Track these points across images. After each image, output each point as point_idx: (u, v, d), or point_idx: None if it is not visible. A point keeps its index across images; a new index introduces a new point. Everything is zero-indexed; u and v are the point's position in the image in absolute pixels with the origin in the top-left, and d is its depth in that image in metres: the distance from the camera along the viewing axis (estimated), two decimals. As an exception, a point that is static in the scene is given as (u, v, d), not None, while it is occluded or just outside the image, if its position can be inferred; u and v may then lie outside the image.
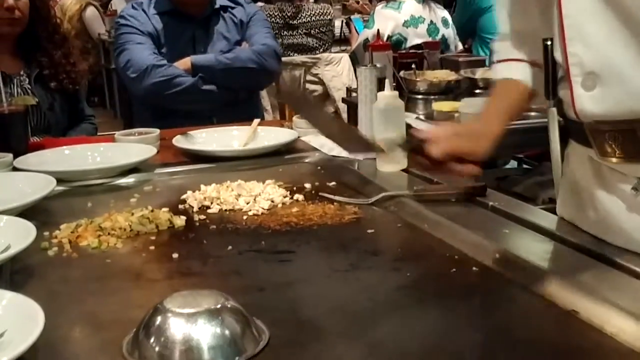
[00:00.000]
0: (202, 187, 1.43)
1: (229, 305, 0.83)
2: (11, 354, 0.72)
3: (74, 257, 1.13)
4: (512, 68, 1.17)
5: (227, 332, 0.80)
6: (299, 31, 4.04)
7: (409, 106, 2.30)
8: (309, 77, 4.04)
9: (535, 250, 1.05)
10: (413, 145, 1.10)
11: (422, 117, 2.24)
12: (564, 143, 1.17)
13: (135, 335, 0.82)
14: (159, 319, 0.81)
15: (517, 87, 1.16)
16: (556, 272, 0.97)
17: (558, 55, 1.01)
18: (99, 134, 2.32)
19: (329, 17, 4.16)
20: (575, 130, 1.03)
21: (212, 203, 1.36)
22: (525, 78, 1.16)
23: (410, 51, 3.01)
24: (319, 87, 4.08)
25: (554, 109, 1.16)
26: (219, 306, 0.82)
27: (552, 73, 1.10)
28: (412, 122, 2.09)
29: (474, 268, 1.03)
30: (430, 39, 3.41)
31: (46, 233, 1.20)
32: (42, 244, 1.16)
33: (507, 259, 1.02)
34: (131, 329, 0.83)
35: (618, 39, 0.92)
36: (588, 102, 0.96)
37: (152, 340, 0.80)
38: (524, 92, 1.16)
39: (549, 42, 1.07)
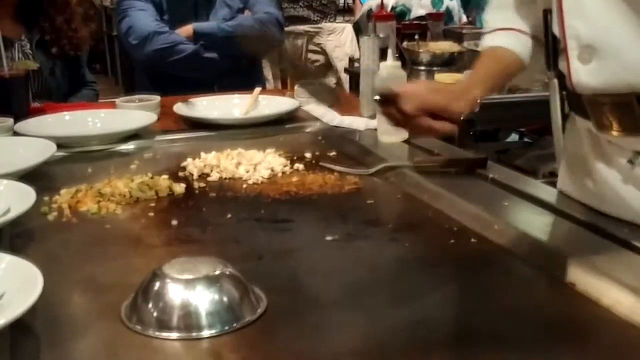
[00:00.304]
0: (202, 154, 1.43)
1: (227, 272, 0.83)
2: (10, 316, 0.72)
3: (74, 222, 1.14)
4: (503, 36, 1.16)
5: (225, 298, 0.80)
6: (300, 4, 4.00)
7: (412, 77, 2.29)
8: (311, 47, 4.00)
9: (534, 222, 1.06)
10: (386, 98, 1.06)
11: (424, 88, 2.22)
12: (565, 116, 1.17)
13: (134, 300, 0.82)
14: (157, 285, 0.81)
15: (506, 55, 1.15)
16: (554, 244, 0.98)
17: (556, 29, 1.01)
18: (100, 100, 2.32)
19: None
20: (575, 102, 1.03)
21: (212, 171, 1.36)
22: (516, 47, 1.15)
23: (414, 22, 2.99)
24: (321, 57, 4.05)
25: (555, 81, 1.15)
26: (217, 273, 0.82)
27: (552, 45, 1.09)
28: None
29: (472, 240, 1.03)
30: (434, 11, 3.38)
31: (46, 198, 1.21)
32: (42, 208, 1.16)
33: (506, 231, 1.02)
34: (130, 293, 0.84)
35: (615, 12, 0.91)
36: (584, 75, 0.96)
37: (150, 305, 0.80)
38: (513, 61, 1.15)
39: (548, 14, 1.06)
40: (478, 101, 1.09)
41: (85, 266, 0.97)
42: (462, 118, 1.07)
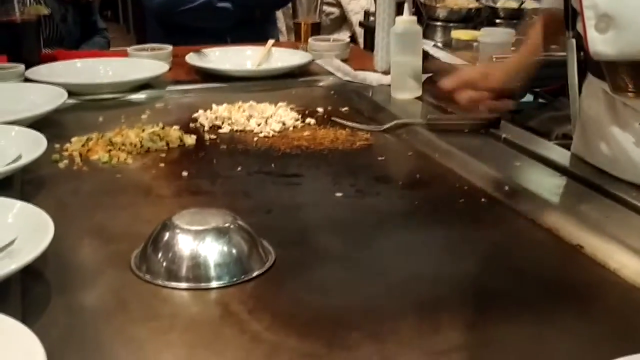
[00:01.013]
0: (214, 106, 1.42)
1: (236, 225, 0.83)
2: (21, 262, 0.73)
3: (85, 170, 1.14)
4: None
5: (234, 250, 0.81)
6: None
7: (427, 33, 2.26)
8: (326, -1, 3.94)
9: (545, 184, 1.05)
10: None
11: (439, 44, 2.19)
12: (581, 77, 1.15)
13: (144, 249, 0.83)
14: (167, 235, 0.81)
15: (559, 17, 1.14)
16: (564, 206, 0.97)
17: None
18: (111, 48, 2.30)
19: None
20: (592, 63, 1.03)
21: (223, 123, 1.36)
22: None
23: (432, -24, 2.92)
24: (335, 10, 3.98)
25: (573, 41, 1.13)
26: (226, 225, 0.82)
27: (571, 5, 1.07)
28: (429, 49, 2.05)
29: (482, 199, 1.02)
30: (452, -35, 3.31)
31: (57, 145, 1.21)
32: (53, 156, 1.17)
33: (516, 191, 1.02)
34: (139, 243, 0.84)
35: None
36: (601, 44, 0.96)
37: (159, 255, 0.81)
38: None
39: None
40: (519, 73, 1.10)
41: (95, 215, 0.98)
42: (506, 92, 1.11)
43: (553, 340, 0.70)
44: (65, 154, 1.19)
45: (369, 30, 2.61)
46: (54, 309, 0.74)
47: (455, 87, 1.08)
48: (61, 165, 1.15)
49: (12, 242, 0.79)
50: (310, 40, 1.88)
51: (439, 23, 2.42)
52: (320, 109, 1.46)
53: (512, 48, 1.87)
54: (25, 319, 0.66)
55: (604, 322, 0.73)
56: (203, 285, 0.79)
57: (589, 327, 0.72)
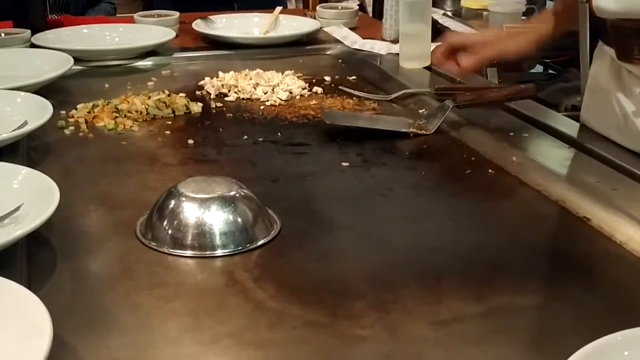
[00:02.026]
0: (220, 74, 1.41)
1: (242, 193, 0.83)
2: (26, 228, 0.73)
3: (90, 137, 1.14)
4: None
5: (239, 219, 0.81)
6: None
7: (437, 1, 2.22)
8: (335, -34, 3.90)
9: (553, 155, 1.04)
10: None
11: (449, 13, 2.16)
12: (593, 45, 1.14)
13: (149, 217, 0.83)
14: (172, 203, 0.81)
15: None
16: (571, 178, 0.97)
17: None
18: (118, 15, 2.28)
19: None
20: (602, 29, 1.03)
21: (229, 91, 1.35)
22: None
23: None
24: (344, -22, 3.94)
25: (586, 5, 1.11)
26: (232, 193, 0.82)
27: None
28: (438, 18, 2.02)
29: (490, 170, 1.02)
30: None
31: (63, 112, 1.21)
32: (59, 122, 1.17)
33: (523, 163, 1.01)
34: (145, 210, 0.85)
35: None
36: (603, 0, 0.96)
37: (165, 222, 0.81)
38: None
39: None
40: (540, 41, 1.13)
41: (101, 182, 0.98)
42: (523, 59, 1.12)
43: (557, 311, 0.70)
44: (71, 120, 1.19)
45: (378, -2, 2.57)
46: (60, 275, 0.74)
47: (444, 52, 1.07)
48: (67, 131, 1.15)
49: (17, 208, 0.80)
50: (318, 7, 1.86)
51: (449, -11, 2.38)
52: (327, 78, 1.45)
53: (523, 18, 1.85)
54: (30, 285, 0.66)
55: (609, 294, 0.73)
56: (208, 253, 0.79)
57: (594, 299, 0.72)
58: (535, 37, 1.19)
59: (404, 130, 1.14)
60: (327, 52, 1.66)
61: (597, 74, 1.11)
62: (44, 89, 1.26)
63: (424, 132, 1.14)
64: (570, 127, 1.13)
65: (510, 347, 0.64)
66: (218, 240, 0.79)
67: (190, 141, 1.12)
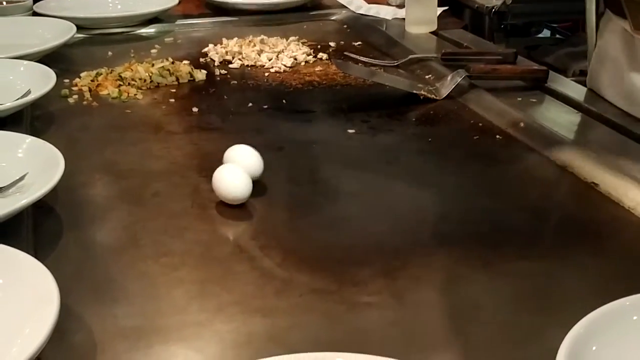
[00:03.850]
0: (224, 40, 1.40)
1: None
2: (31, 197, 0.73)
3: (94, 105, 1.13)
4: None
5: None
6: None
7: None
8: None
9: (561, 120, 1.03)
10: None
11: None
12: (600, 13, 1.12)
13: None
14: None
15: None
16: (579, 143, 0.96)
17: None
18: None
19: None
20: (611, 0, 0.99)
21: (233, 58, 1.34)
22: None
23: None
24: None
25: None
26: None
27: None
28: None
29: (497, 136, 1.01)
30: None
31: (66, 80, 1.20)
32: (63, 91, 1.16)
33: (531, 128, 1.00)
34: (150, 179, 0.84)
35: None
36: None
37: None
38: None
39: None
40: None
41: (105, 150, 0.97)
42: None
43: (566, 277, 0.70)
44: (75, 89, 1.18)
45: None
46: (66, 244, 0.74)
47: None
48: (71, 100, 1.14)
49: (22, 177, 0.79)
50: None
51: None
52: (332, 44, 1.43)
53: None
54: (36, 254, 0.66)
55: (617, 260, 0.73)
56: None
57: (602, 264, 0.72)
58: None
59: (415, 92, 1.13)
60: (332, 18, 1.64)
61: (605, 44, 1.08)
62: (47, 58, 1.25)
63: (435, 97, 1.13)
64: (578, 92, 1.12)
65: (518, 313, 0.64)
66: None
67: (195, 109, 1.11)
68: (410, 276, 0.69)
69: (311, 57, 1.35)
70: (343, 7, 1.66)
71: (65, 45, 1.33)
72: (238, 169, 0.80)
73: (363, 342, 0.60)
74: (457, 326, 0.62)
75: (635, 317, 0.54)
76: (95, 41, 1.47)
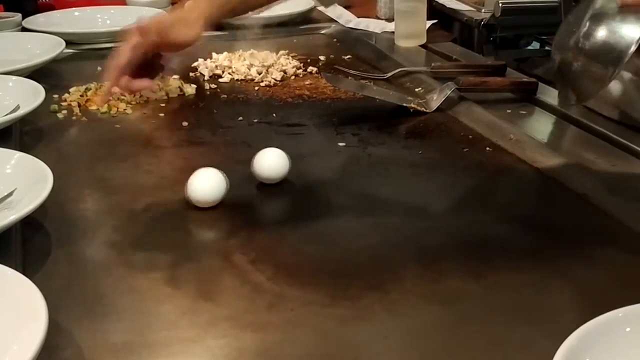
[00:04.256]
0: (214, 55, 1.40)
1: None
2: (20, 213, 0.72)
3: (84, 121, 1.13)
4: None
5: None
6: None
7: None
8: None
9: (550, 132, 1.04)
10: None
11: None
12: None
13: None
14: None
15: None
16: (570, 155, 0.96)
17: None
18: (109, -4, 2.26)
19: None
20: None
21: (223, 72, 1.34)
22: None
23: None
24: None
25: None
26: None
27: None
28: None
29: (487, 148, 1.01)
30: None
31: (55, 96, 1.19)
32: (52, 106, 1.15)
33: (521, 140, 1.01)
34: (140, 194, 0.84)
35: None
36: None
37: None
38: None
39: None
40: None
41: (95, 166, 0.97)
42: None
43: (557, 288, 0.69)
44: (64, 104, 1.17)
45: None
46: (55, 259, 0.74)
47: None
48: (60, 115, 1.14)
49: (11, 193, 0.79)
50: (312, -14, 1.83)
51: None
52: (322, 57, 1.44)
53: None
54: (25, 270, 0.66)
55: (609, 271, 0.73)
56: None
57: (594, 275, 0.72)
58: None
59: (404, 105, 1.13)
60: (322, 32, 1.64)
61: None
62: (36, 73, 1.24)
63: (424, 110, 1.13)
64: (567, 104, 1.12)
65: (510, 325, 0.64)
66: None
67: (185, 123, 1.11)
68: (402, 289, 0.69)
69: (301, 70, 1.35)
70: (332, 20, 1.67)
71: (55, 61, 1.32)
72: (208, 172, 0.80)
73: (355, 357, 0.60)
74: (449, 339, 0.62)
75: (628, 329, 0.54)
76: (84, 56, 1.46)
